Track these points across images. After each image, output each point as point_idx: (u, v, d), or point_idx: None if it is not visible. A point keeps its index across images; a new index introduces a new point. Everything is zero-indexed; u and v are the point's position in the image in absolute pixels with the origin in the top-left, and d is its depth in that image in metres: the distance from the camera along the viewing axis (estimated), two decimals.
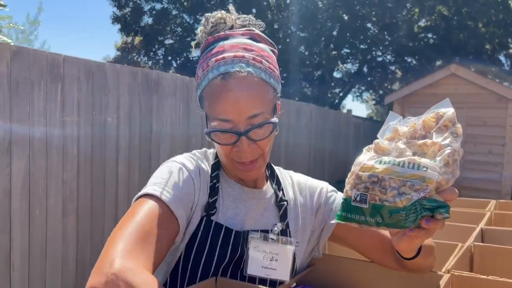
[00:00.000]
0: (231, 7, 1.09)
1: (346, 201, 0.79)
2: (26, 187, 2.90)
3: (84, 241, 3.27)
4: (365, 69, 15.08)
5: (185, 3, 15.21)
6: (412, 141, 0.81)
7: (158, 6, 15.38)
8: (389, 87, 15.77)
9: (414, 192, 0.74)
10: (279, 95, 1.03)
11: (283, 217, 1.11)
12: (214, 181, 1.06)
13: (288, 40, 14.43)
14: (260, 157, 1.01)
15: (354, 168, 0.81)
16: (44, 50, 3.02)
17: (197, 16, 15.33)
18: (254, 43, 1.00)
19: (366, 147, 0.85)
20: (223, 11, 1.06)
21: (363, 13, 14.03)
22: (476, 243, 1.35)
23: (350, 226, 1.14)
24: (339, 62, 14.80)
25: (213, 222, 1.02)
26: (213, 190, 1.04)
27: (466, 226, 1.58)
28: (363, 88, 16.44)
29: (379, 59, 15.03)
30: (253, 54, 0.96)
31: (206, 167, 1.07)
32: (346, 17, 13.87)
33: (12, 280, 2.83)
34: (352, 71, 15.46)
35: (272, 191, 1.14)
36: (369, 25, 14.64)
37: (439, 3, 13.68)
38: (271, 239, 1.06)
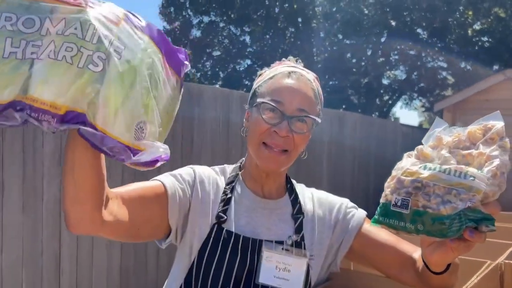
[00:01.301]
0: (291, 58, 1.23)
1: (385, 206, 0.78)
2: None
3: (128, 249, 3.41)
4: (415, 76, 14.62)
5: (232, 15, 15.53)
6: (455, 150, 0.79)
7: (206, 19, 15.82)
8: (441, 93, 15.18)
9: (460, 201, 0.72)
10: (319, 119, 1.11)
11: (299, 229, 1.13)
12: (228, 192, 1.12)
13: (334, 48, 14.32)
14: (288, 153, 1.06)
15: (396, 172, 0.80)
16: None
17: (243, 28, 15.59)
18: (306, 69, 1.18)
19: (407, 153, 0.84)
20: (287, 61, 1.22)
21: (412, 18, 13.66)
22: (508, 261, 1.28)
23: (368, 242, 1.15)
24: (387, 69, 14.45)
25: (224, 230, 1.07)
26: (226, 200, 1.11)
27: (500, 242, 1.51)
28: (413, 95, 15.93)
29: (430, 65, 14.52)
30: (309, 75, 1.14)
31: (221, 180, 1.15)
32: (393, 23, 13.55)
33: (61, 284, 3.01)
34: (401, 78, 15.04)
35: (289, 204, 1.16)
36: (418, 30, 14.23)
37: (495, 5, 13.06)
38: (285, 250, 1.08)
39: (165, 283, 1.17)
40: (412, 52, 14.56)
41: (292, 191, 1.19)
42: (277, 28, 15.18)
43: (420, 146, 0.83)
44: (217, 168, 1.18)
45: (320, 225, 1.18)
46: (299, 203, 1.17)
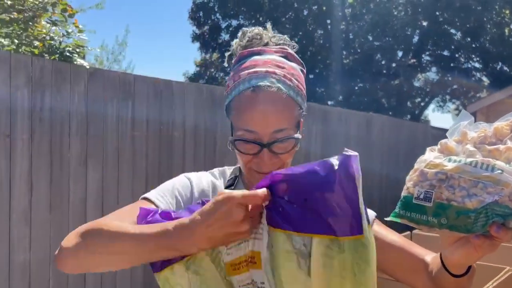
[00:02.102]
0: (268, 25, 1.13)
1: (406, 199, 0.75)
2: (100, 197, 3.16)
3: None
4: (448, 77, 14.21)
5: (261, 19, 15.57)
6: (481, 146, 0.76)
7: (234, 22, 15.94)
8: (476, 95, 14.69)
9: (487, 194, 0.68)
10: (304, 113, 1.04)
11: None
12: None
13: (363, 49, 14.13)
14: (279, 169, 1.03)
15: (418, 165, 0.76)
16: (117, 71, 3.29)
17: (272, 31, 15.59)
18: (286, 61, 1.04)
19: (430, 148, 0.81)
20: (260, 28, 1.10)
21: (445, 18, 13.31)
22: None
23: (378, 244, 1.11)
24: (418, 71, 14.11)
25: None
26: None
27: None
28: (446, 97, 15.49)
29: (464, 66, 14.09)
30: (284, 72, 1.00)
31: (220, 182, 1.12)
32: (425, 23, 13.23)
33: (87, 282, 3.09)
34: (434, 80, 14.66)
35: None
36: (452, 30, 13.84)
37: None
38: None
39: None
40: (445, 53, 14.19)
41: None
42: (306, 31, 15.12)
43: (444, 140, 0.80)
44: (216, 171, 1.16)
45: None
46: None
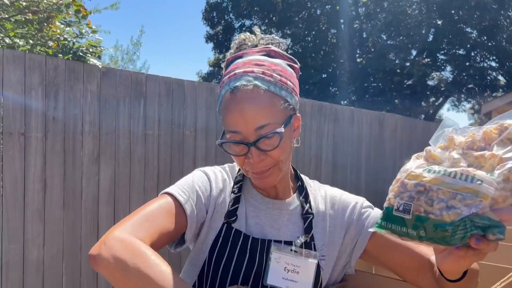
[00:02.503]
0: (256, 28, 1.15)
1: (388, 210, 0.75)
2: (112, 194, 3.20)
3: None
4: (463, 76, 14.02)
5: (274, 18, 15.57)
6: (468, 152, 0.73)
7: (248, 22, 15.96)
8: (492, 95, 14.46)
9: (465, 207, 0.66)
10: (292, 106, 1.03)
11: (308, 229, 1.11)
12: (236, 191, 1.11)
13: (377, 48, 14.01)
14: (274, 167, 1.03)
15: (400, 175, 0.76)
16: (129, 70, 3.32)
17: (285, 30, 15.58)
18: (268, 58, 1.04)
19: (416, 154, 0.80)
20: (247, 33, 1.13)
21: (461, 17, 13.12)
22: None
23: (383, 243, 1.12)
24: (433, 70, 13.94)
25: (233, 229, 1.07)
26: (235, 199, 1.10)
27: None
28: (461, 97, 15.27)
29: (479, 65, 13.88)
30: (262, 69, 1.00)
31: (229, 178, 1.14)
32: (439, 22, 13.07)
33: (99, 278, 3.13)
34: (449, 79, 14.47)
35: (298, 203, 1.14)
36: (468, 29, 13.64)
37: None
38: (294, 251, 1.07)
39: (184, 271, 1.18)
40: (460, 52, 13.99)
41: (302, 190, 1.17)
42: (319, 30, 15.06)
43: (428, 147, 0.78)
44: (227, 167, 1.18)
45: (332, 225, 1.15)
46: (309, 202, 1.15)
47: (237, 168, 1.18)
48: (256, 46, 1.10)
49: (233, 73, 1.01)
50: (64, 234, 2.96)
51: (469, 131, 0.77)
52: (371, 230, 0.79)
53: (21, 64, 2.75)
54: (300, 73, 1.17)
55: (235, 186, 1.12)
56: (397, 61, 14.09)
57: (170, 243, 1.08)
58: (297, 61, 1.13)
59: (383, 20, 13.84)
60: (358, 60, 15.14)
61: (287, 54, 1.10)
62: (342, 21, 14.92)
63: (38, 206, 2.84)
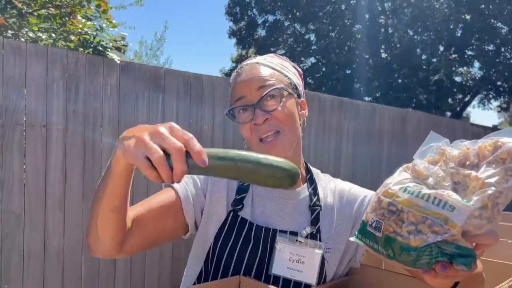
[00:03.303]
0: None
1: (363, 224, 0.74)
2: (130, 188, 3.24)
3: (179, 239, 3.53)
4: (492, 73, 13.61)
5: (297, 13, 15.47)
6: (458, 168, 0.70)
7: (271, 18, 15.91)
8: None
9: (431, 234, 0.64)
10: (294, 85, 1.10)
11: (315, 221, 1.11)
12: None
13: (403, 44, 13.74)
14: (282, 132, 1.04)
15: (380, 189, 0.74)
16: (148, 64, 3.36)
17: (308, 26, 15.46)
18: (268, 57, 1.16)
19: (405, 166, 0.77)
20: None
21: (490, 11, 12.73)
22: None
23: None
24: (460, 66, 13.58)
25: (239, 217, 1.09)
26: (242, 188, 1.13)
27: None
28: (489, 94, 14.83)
29: (509, 61, 13.44)
30: (264, 56, 1.13)
31: None
32: (469, 17, 12.70)
33: (117, 271, 3.19)
34: (477, 76, 14.07)
35: (306, 194, 1.15)
36: (498, 24, 13.22)
37: None
38: (299, 241, 1.07)
39: (187, 263, 1.20)
40: (489, 48, 13.58)
41: (311, 182, 1.18)
42: (343, 25, 14.88)
43: (415, 161, 0.75)
44: None
45: (339, 218, 1.15)
46: (318, 194, 1.15)
47: None
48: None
49: (239, 66, 1.13)
50: (83, 224, 3.02)
51: (463, 145, 0.74)
52: (351, 239, 0.78)
53: (43, 58, 2.82)
54: (324, 69, 1.29)
55: None
56: (423, 57, 13.79)
57: (183, 229, 1.11)
58: (298, 67, 1.20)
59: (409, 14, 13.56)
60: (383, 55, 14.90)
61: (290, 61, 1.20)
62: (367, 16, 14.69)
63: (59, 196, 2.91)
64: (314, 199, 1.14)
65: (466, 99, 15.25)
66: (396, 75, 14.11)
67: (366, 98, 14.76)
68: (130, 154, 0.70)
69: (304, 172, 1.20)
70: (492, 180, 0.64)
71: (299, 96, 1.12)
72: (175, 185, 1.07)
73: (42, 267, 2.86)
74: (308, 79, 15.92)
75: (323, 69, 15.48)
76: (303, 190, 1.16)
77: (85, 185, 3.03)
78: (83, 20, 3.32)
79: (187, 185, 1.09)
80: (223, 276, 1.06)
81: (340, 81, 14.62)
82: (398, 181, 0.72)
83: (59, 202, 2.91)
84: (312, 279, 1.06)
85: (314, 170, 1.23)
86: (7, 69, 2.68)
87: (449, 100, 14.71)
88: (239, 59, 16.31)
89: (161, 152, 0.67)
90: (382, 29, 14.78)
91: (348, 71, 14.93)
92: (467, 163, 0.71)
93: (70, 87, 2.94)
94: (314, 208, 1.13)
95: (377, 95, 14.52)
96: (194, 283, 1.14)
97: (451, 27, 13.01)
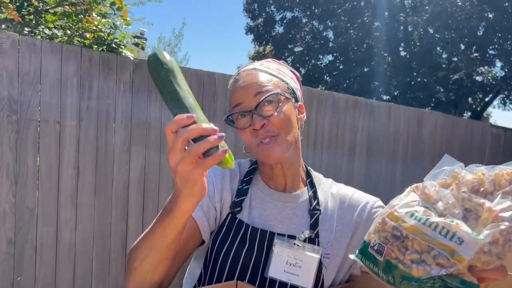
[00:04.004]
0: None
1: (364, 245, 0.71)
2: (142, 182, 3.28)
3: None
4: None
5: (316, 10, 15.34)
6: (471, 195, 0.66)
7: (289, 15, 15.82)
8: None
9: (436, 266, 0.61)
10: (291, 90, 1.10)
11: (314, 225, 1.11)
12: (244, 184, 1.14)
13: (423, 42, 13.51)
14: (278, 137, 1.05)
15: (385, 210, 0.71)
16: None
17: (327, 23, 15.33)
18: (265, 62, 1.17)
19: (415, 186, 0.74)
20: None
21: None
22: None
23: None
24: (482, 65, 13.29)
25: (237, 220, 1.10)
26: (241, 191, 1.13)
27: None
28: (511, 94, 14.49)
29: None
30: (260, 62, 1.14)
31: (239, 171, 1.19)
32: (491, 15, 12.41)
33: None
34: (499, 75, 13.75)
35: (306, 198, 1.15)
36: None
37: None
38: (297, 245, 1.06)
39: (190, 264, 1.22)
40: None
41: (312, 186, 1.17)
42: (362, 22, 14.71)
43: (426, 183, 0.72)
44: (242, 161, 1.22)
45: (340, 224, 1.13)
46: (317, 198, 1.14)
47: (248, 163, 1.21)
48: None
49: (237, 72, 1.14)
50: (95, 219, 3.07)
51: (478, 170, 0.70)
52: (351, 256, 0.75)
53: (58, 55, 2.86)
54: (341, 67, 1.30)
55: (245, 178, 1.16)
56: (444, 56, 13.54)
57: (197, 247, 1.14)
58: (296, 71, 1.21)
59: (430, 12, 13.31)
60: (402, 54, 14.68)
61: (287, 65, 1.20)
62: (386, 13, 14.48)
63: (71, 191, 2.96)
64: (314, 203, 1.13)
65: (487, 99, 14.92)
66: (415, 74, 13.89)
67: (384, 97, 14.58)
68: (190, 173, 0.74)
69: (304, 176, 1.19)
70: (507, 214, 0.60)
71: (296, 100, 1.12)
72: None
73: (54, 261, 2.91)
74: (325, 76, 15.80)
75: (341, 66, 15.34)
76: (303, 193, 1.15)
77: (98, 181, 3.07)
78: (98, 18, 3.35)
79: (201, 207, 1.08)
80: (219, 276, 1.07)
81: (358, 79, 14.48)
82: (406, 203, 0.69)
83: (71, 197, 2.96)
84: (308, 283, 1.05)
85: (316, 174, 1.22)
86: (23, 65, 2.72)
87: (469, 99, 14.42)
88: (256, 56, 16.28)
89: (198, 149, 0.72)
90: (402, 27, 14.55)
91: (366, 69, 14.76)
92: (481, 189, 0.67)
93: (84, 84, 2.98)
94: (313, 212, 1.12)
95: (395, 93, 14.32)
96: (195, 286, 1.15)
97: (473, 25, 12.72)
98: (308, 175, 1.20)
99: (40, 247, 2.85)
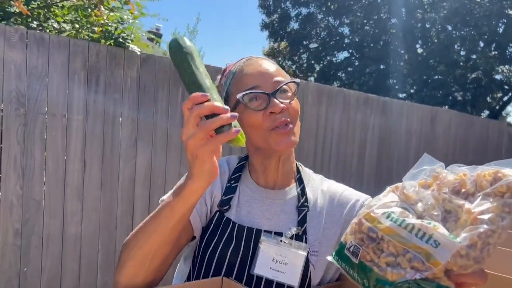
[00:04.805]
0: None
1: (341, 246, 0.69)
2: (148, 178, 3.30)
3: None
4: None
5: (332, 6, 15.20)
6: (452, 196, 0.64)
7: (304, 10, 15.71)
8: None
9: (411, 269, 0.59)
10: (296, 85, 1.10)
11: (301, 222, 1.09)
12: (232, 181, 1.13)
13: (441, 39, 13.28)
14: (293, 126, 1.04)
15: (363, 211, 0.69)
16: (169, 57, 3.37)
17: (343, 19, 15.18)
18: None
19: (394, 186, 0.72)
20: None
21: None
22: None
23: None
24: (501, 63, 12.99)
25: (225, 218, 1.09)
26: (230, 189, 1.12)
27: None
28: None
29: None
30: (266, 57, 1.16)
31: (228, 168, 1.17)
32: (511, 12, 12.11)
33: None
34: None
35: (295, 194, 1.13)
36: None
37: None
38: (283, 242, 1.05)
39: (180, 262, 1.21)
40: None
41: (301, 182, 1.15)
42: (379, 19, 14.52)
43: (405, 183, 0.70)
44: (224, 158, 1.19)
45: (328, 221, 1.11)
46: (306, 195, 1.13)
47: (236, 160, 1.19)
48: None
49: (246, 58, 1.12)
50: (100, 213, 3.09)
51: (460, 171, 0.67)
52: (328, 258, 0.73)
53: (66, 49, 2.88)
54: (357, 63, 1.34)
55: (233, 176, 1.14)
56: (462, 53, 13.28)
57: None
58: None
59: (448, 9, 13.07)
60: (419, 51, 14.45)
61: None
62: (403, 9, 14.27)
63: (77, 184, 2.99)
64: (302, 200, 1.11)
65: (506, 98, 14.60)
66: (432, 72, 13.66)
67: (400, 95, 14.38)
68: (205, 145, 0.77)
69: (295, 172, 1.17)
70: (486, 216, 0.58)
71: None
72: None
73: (60, 253, 2.95)
74: (340, 73, 15.66)
75: (356, 63, 15.18)
76: (291, 190, 1.14)
77: (104, 175, 3.10)
78: (107, 11, 3.37)
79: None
80: (205, 274, 1.06)
81: (373, 76, 14.31)
82: (384, 203, 0.67)
83: (77, 190, 2.99)
84: (294, 281, 1.04)
85: (306, 170, 1.20)
86: (31, 59, 2.75)
87: (488, 98, 14.13)
88: (271, 52, 16.22)
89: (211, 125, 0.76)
90: (419, 24, 14.31)
91: (382, 66, 14.59)
92: (463, 190, 0.64)
93: (91, 78, 3.00)
94: (301, 209, 1.11)
95: (411, 91, 14.12)
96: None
97: (493, 22, 12.44)
98: (298, 171, 1.18)
99: (47, 238, 2.89)
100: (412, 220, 0.62)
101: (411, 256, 0.59)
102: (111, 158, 3.12)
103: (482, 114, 14.14)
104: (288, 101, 1.03)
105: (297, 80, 1.06)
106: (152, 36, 6.07)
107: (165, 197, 1.06)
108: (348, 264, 0.67)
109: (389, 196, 0.70)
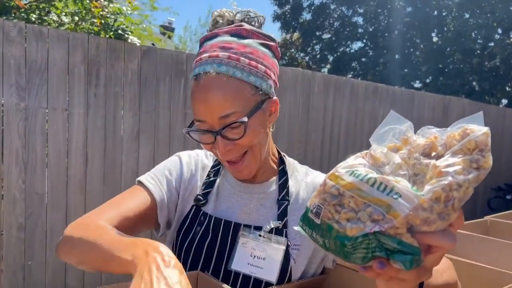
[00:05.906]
0: (233, 2, 1.10)
1: (306, 210, 0.66)
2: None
3: None
4: None
5: None
6: (422, 158, 0.61)
7: (317, 1, 15.54)
8: None
9: (370, 223, 0.56)
10: (263, 91, 0.96)
11: (281, 216, 1.05)
12: (211, 175, 1.10)
13: (457, 27, 12.97)
14: (248, 154, 0.98)
15: (329, 173, 0.67)
16: (170, 49, 3.35)
17: (356, 8, 14.96)
18: (236, 39, 0.97)
19: (364, 152, 0.67)
20: (224, 9, 1.07)
21: None
22: None
23: None
24: None
25: (201, 212, 1.06)
26: (209, 183, 1.09)
27: None
28: None
29: None
30: (229, 53, 0.94)
31: (209, 162, 1.14)
32: None
33: None
34: None
35: (275, 188, 1.09)
36: None
37: None
38: (262, 236, 1.01)
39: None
40: None
41: (284, 174, 1.10)
42: (393, 8, 14.26)
43: (374, 146, 0.65)
44: (202, 151, 1.15)
45: None
46: (287, 188, 1.08)
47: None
48: (232, 22, 1.04)
49: (199, 58, 0.97)
50: None
51: (431, 133, 0.63)
52: (295, 228, 0.69)
53: (65, 43, 2.88)
54: (371, 53, 1.21)
55: (212, 170, 1.11)
56: (479, 41, 12.95)
57: (155, 228, 1.10)
58: (274, 38, 1.04)
59: None
60: (434, 39, 14.16)
61: (262, 32, 1.03)
62: None
63: (80, 178, 2.99)
64: (283, 193, 1.07)
65: None
66: (448, 61, 13.37)
67: (415, 85, 14.13)
68: None
69: (277, 164, 1.13)
70: (451, 169, 0.54)
71: (270, 96, 1.00)
72: (150, 186, 1.03)
73: None
74: (353, 63, 15.45)
75: (370, 53, 14.95)
76: (271, 183, 1.10)
77: (106, 168, 3.10)
78: (106, 3, 3.35)
79: (161, 184, 1.05)
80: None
81: (387, 66, 14.08)
82: (350, 165, 0.63)
83: (80, 183, 3.00)
84: (271, 277, 1.00)
85: (290, 161, 1.15)
86: (30, 53, 2.75)
87: (507, 87, 13.78)
88: (283, 44, 16.09)
89: None
90: (435, 12, 14.00)
91: (396, 56, 14.34)
92: (433, 154, 0.60)
93: (91, 72, 2.99)
94: (281, 202, 1.06)
95: (427, 81, 13.86)
96: None
97: (511, 8, 12.08)
98: (281, 162, 1.13)
99: (50, 232, 2.91)
100: (374, 174, 0.59)
101: (371, 210, 0.56)
102: (113, 151, 3.12)
103: (500, 103, 13.80)
104: (237, 137, 0.93)
105: (244, 120, 0.91)
106: (165, 31, 6.06)
107: (142, 178, 1.05)
108: (312, 227, 0.63)
109: (357, 160, 0.66)
